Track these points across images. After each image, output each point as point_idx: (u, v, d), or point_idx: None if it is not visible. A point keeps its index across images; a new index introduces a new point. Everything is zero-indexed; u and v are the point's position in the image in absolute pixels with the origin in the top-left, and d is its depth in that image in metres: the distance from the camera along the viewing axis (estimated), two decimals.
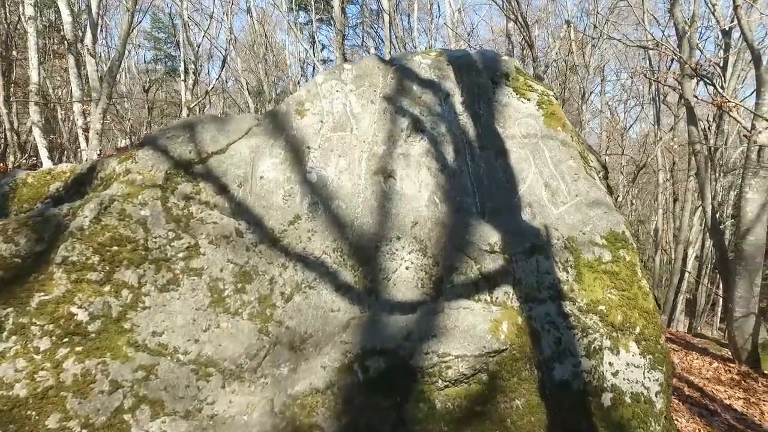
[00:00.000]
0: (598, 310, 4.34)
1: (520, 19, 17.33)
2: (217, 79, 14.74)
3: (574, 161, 5.16)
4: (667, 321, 19.55)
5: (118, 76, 18.79)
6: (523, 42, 19.33)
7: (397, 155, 5.03)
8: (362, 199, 4.88)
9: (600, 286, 4.45)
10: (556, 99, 5.58)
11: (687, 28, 14.90)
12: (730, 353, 11.47)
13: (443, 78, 5.50)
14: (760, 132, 8.86)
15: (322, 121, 5.11)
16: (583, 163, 5.23)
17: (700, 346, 13.32)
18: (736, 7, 9.40)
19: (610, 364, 4.18)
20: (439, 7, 21.96)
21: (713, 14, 15.49)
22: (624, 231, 4.79)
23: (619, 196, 19.47)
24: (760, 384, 10.05)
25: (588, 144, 5.64)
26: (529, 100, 5.51)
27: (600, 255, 4.59)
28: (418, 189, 4.97)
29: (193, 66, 14.12)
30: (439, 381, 3.84)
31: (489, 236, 4.69)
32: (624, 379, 4.14)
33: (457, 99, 5.43)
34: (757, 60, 9.48)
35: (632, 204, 25.94)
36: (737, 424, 8.80)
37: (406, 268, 4.65)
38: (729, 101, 8.62)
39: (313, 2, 19.79)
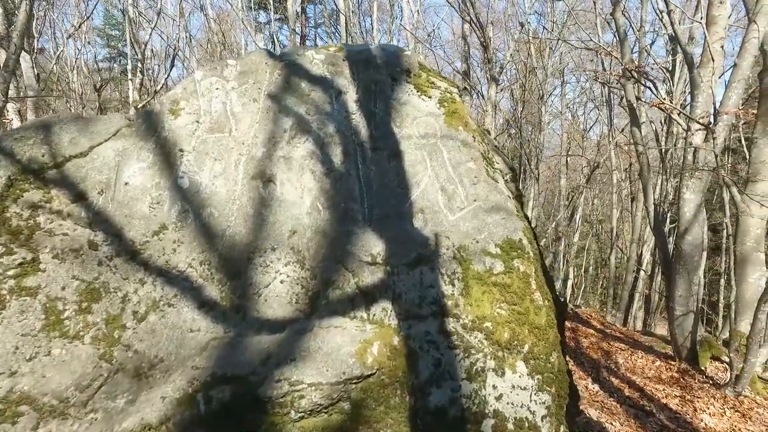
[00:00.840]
0: (483, 327, 3.82)
1: (474, 20, 16.88)
2: (167, 78, 14.03)
3: (474, 163, 4.65)
4: (623, 319, 19.27)
5: (71, 74, 17.94)
6: (481, 43, 18.88)
7: (278, 158, 4.46)
8: (237, 206, 4.30)
9: (488, 300, 3.93)
10: (461, 96, 5.06)
11: (636, 32, 14.56)
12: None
13: (336, 74, 4.94)
14: (693, 134, 8.49)
15: (198, 122, 4.52)
16: (485, 164, 4.72)
17: (647, 344, 13.00)
18: (669, 12, 9.04)
19: (494, 387, 3.66)
20: (401, 8, 21.31)
21: (661, 21, 15.23)
22: (521, 239, 4.28)
23: (574, 196, 19.15)
24: (696, 380, 9.72)
25: (495, 144, 5.13)
26: (430, 97, 4.98)
27: (491, 265, 4.08)
28: (300, 195, 4.41)
29: (140, 65, 13.39)
30: (292, 412, 3.28)
31: (372, 246, 4.15)
32: (508, 403, 3.63)
33: (351, 97, 4.88)
34: (690, 63, 9.12)
35: (592, 204, 25.72)
36: (670, 424, 8.39)
37: (281, 282, 4.09)
38: (665, 103, 8.22)
39: (272, 2, 19.11)
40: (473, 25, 17.16)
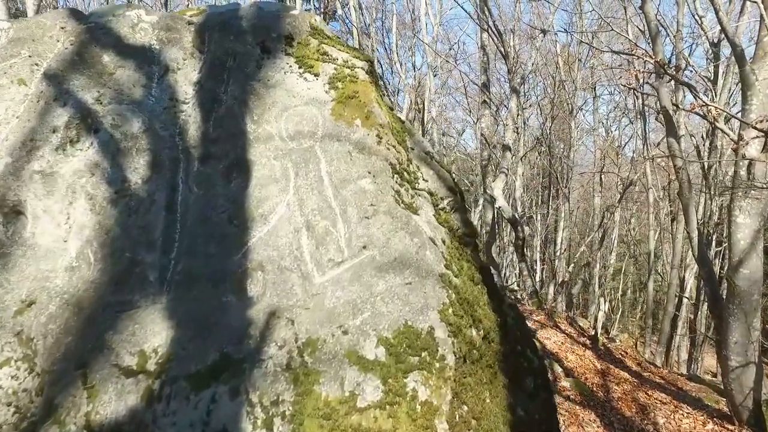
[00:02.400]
0: None
1: (493, 28, 14.62)
2: None
3: (373, 181, 2.50)
4: (664, 354, 16.10)
5: None
6: (500, 53, 16.52)
7: (32, 175, 2.46)
8: None
9: None
10: (370, 73, 2.92)
11: (671, 36, 11.92)
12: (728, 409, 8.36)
13: (169, 44, 2.92)
14: (747, 143, 5.93)
15: None
16: (395, 183, 2.56)
17: (694, 395, 10.09)
18: None
19: None
20: (421, 23, 19.21)
21: (701, 26, 12.48)
22: (433, 330, 2.07)
23: (603, 217, 16.35)
24: None
25: (424, 147, 2.92)
26: (317, 75, 2.87)
27: (359, 388, 1.89)
28: (64, 236, 2.38)
29: None
30: None
31: (146, 336, 2.06)
32: None
33: (187, 76, 2.84)
34: (740, 58, 6.56)
35: (629, 223, 22.57)
36: None
37: None
38: (708, 105, 5.74)
39: None
40: (491, 33, 14.87)
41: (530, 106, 22.86)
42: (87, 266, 2.34)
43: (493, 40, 15.70)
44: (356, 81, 2.84)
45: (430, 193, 2.79)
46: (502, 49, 15.50)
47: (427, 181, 2.82)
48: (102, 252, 2.35)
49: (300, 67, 2.93)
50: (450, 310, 2.18)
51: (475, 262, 2.86)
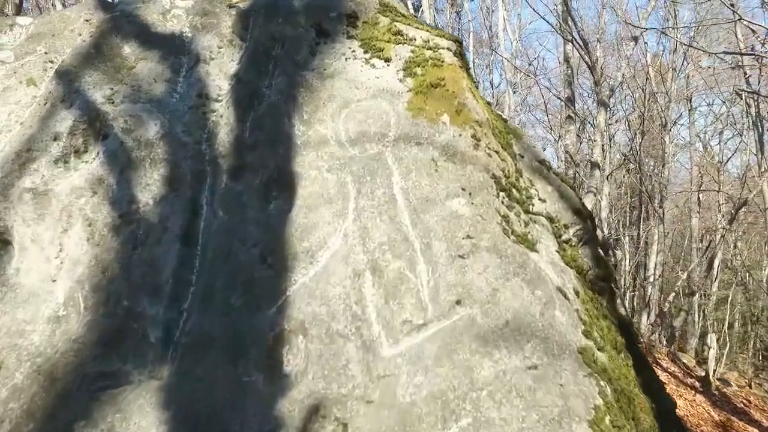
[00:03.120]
0: None
1: (578, 39, 13.33)
2: None
3: (469, 201, 1.64)
4: None
5: None
6: (586, 64, 15.15)
7: (22, 194, 1.84)
8: None
9: None
10: (459, 56, 2.07)
11: None
12: None
13: (204, 30, 2.25)
14: None
15: None
16: (501, 204, 1.69)
17: None
18: None
19: None
20: (499, 38, 18.19)
21: None
22: None
23: (710, 241, 14.24)
24: None
25: (537, 155, 2.01)
26: (388, 60, 2.08)
27: None
28: (53, 274, 1.73)
29: None
30: None
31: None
32: None
33: (220, 69, 2.16)
34: None
35: (734, 247, 19.77)
36: None
37: None
38: None
39: None
40: (575, 44, 13.58)
41: (616, 121, 20.98)
42: (76, 316, 1.66)
43: (578, 51, 14.36)
44: (441, 65, 2.01)
45: (550, 219, 1.87)
46: (588, 60, 14.11)
47: (544, 201, 1.90)
48: (94, 298, 1.67)
49: (366, 52, 2.15)
50: (606, 420, 1.25)
51: (613, 318, 1.89)
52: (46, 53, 2.25)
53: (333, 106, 1.99)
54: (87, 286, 1.70)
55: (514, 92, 18.16)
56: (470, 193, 1.69)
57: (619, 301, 2.12)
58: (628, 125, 21.52)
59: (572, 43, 14.37)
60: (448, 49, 2.08)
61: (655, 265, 18.27)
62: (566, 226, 1.92)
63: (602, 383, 1.36)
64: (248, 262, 1.64)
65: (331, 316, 1.49)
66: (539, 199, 1.91)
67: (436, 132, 1.83)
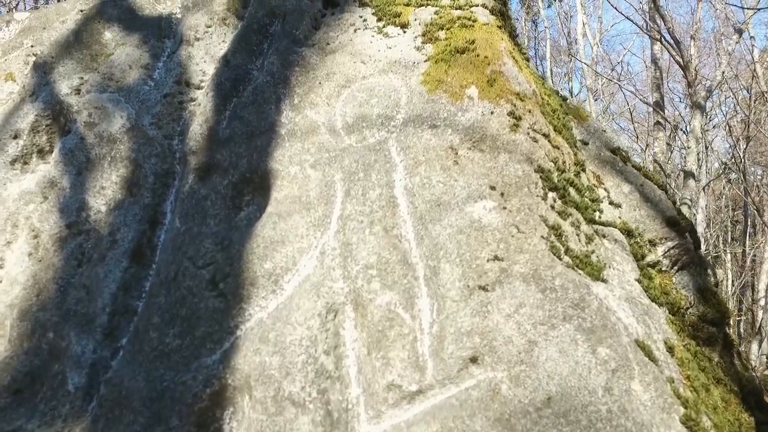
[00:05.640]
0: None
1: (668, 38, 12.00)
2: None
3: (499, 206, 1.11)
4: None
5: None
6: (678, 64, 13.66)
7: None
8: None
9: None
10: (498, 14, 1.54)
11: None
12: None
13: (192, 9, 1.89)
14: None
15: None
16: (548, 209, 1.14)
17: None
18: None
19: None
20: (585, 46, 17.02)
21: None
22: None
23: None
24: None
25: (609, 142, 1.40)
26: (405, 26, 1.59)
27: None
28: None
29: None
30: None
31: None
32: None
33: (207, 51, 1.78)
34: None
35: None
36: None
37: None
38: None
39: None
40: (664, 43, 12.24)
41: (714, 127, 18.82)
42: (2, 347, 1.32)
43: (668, 50, 12.94)
44: (472, 25, 1.48)
45: (628, 232, 1.27)
46: (680, 60, 12.64)
47: (618, 206, 1.31)
48: (20, 328, 1.32)
49: (380, 20, 1.68)
50: None
51: (731, 383, 1.23)
52: (32, 47, 2.02)
53: (330, 86, 1.53)
54: (15, 313, 1.36)
55: (596, 100, 16.83)
56: (502, 194, 1.15)
57: (735, 351, 1.45)
58: (729, 130, 19.20)
59: (661, 43, 13.02)
60: (483, 5, 1.55)
61: (766, 285, 15.89)
62: (653, 243, 1.30)
63: None
64: (195, 289, 1.21)
65: (284, 371, 1.01)
66: (611, 204, 1.32)
67: (458, 110, 1.30)
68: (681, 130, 17.30)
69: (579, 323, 0.95)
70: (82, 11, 2.11)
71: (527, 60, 1.69)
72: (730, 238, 20.56)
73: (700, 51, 17.48)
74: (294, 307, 1.11)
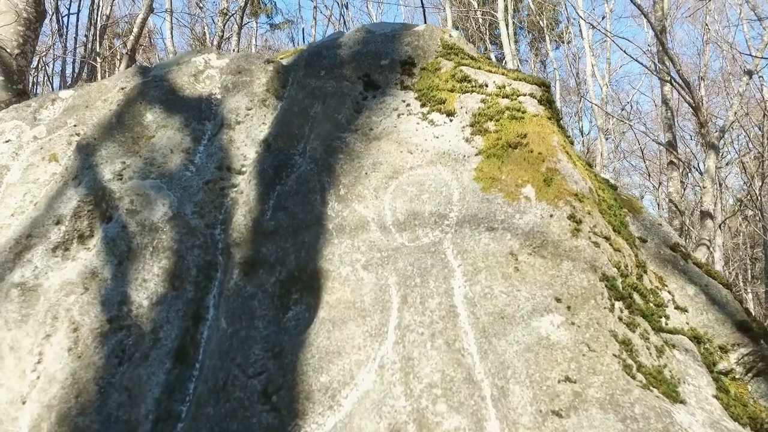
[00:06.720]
0: None
1: (678, 79, 12.12)
2: None
3: (566, 321, 1.06)
4: None
5: None
6: (689, 105, 13.75)
7: (9, 290, 1.53)
8: None
9: None
10: (546, 103, 1.53)
11: None
12: None
13: (232, 90, 1.92)
14: None
15: None
16: (616, 322, 1.08)
17: None
18: None
19: None
20: (594, 86, 17.42)
21: None
22: None
23: None
24: None
25: (667, 237, 1.36)
26: (451, 114, 1.59)
27: None
28: (25, 394, 1.38)
29: None
30: None
31: None
32: None
33: (248, 134, 1.78)
34: None
35: None
36: None
37: None
38: None
39: None
40: (674, 84, 12.36)
41: (727, 164, 18.78)
42: None
43: (678, 92, 13.06)
44: (522, 117, 1.47)
45: (697, 339, 1.21)
46: (691, 101, 12.72)
47: (684, 311, 1.25)
48: None
49: (423, 105, 1.68)
50: None
51: None
52: (75, 126, 2.04)
53: (378, 177, 1.51)
54: (54, 416, 1.31)
55: (607, 139, 16.91)
56: (569, 307, 1.10)
57: None
58: (743, 167, 19.15)
59: (671, 84, 13.15)
60: (531, 95, 1.55)
61: None
62: (723, 349, 1.24)
63: None
64: (247, 401, 1.16)
65: None
66: (676, 308, 1.26)
67: (515, 212, 1.27)
68: (694, 167, 17.22)
69: None
70: (123, 89, 2.14)
71: (572, 143, 1.67)
72: (750, 276, 20.15)
73: (709, 89, 17.57)
74: (355, 428, 1.05)
